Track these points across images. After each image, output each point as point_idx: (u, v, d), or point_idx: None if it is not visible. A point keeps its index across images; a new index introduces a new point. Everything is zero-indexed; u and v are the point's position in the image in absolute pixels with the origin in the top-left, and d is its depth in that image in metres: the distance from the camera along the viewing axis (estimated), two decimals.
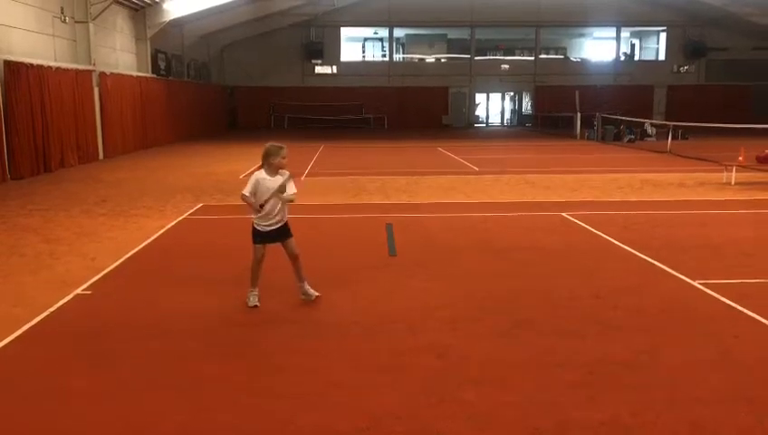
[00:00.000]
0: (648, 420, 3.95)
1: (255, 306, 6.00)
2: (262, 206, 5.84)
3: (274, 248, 6.15)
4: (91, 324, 5.69)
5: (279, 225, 6.04)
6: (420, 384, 4.44)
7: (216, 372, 4.67)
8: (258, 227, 6.01)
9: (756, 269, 7.30)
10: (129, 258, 7.92)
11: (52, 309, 5.99)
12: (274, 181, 5.89)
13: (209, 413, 4.08)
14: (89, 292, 6.58)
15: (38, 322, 5.68)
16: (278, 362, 4.88)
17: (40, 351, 5.12)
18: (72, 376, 4.64)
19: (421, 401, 4.21)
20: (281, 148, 5.93)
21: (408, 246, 8.48)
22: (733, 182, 14.05)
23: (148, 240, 8.89)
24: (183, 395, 4.33)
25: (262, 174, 5.92)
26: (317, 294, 6.24)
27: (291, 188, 5.96)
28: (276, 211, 5.97)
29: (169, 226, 9.89)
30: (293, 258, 6.13)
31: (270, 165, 5.91)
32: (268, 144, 6.01)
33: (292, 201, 6.03)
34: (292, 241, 6.11)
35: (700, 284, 6.67)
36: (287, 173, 5.96)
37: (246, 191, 5.90)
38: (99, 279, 7.01)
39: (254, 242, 6.06)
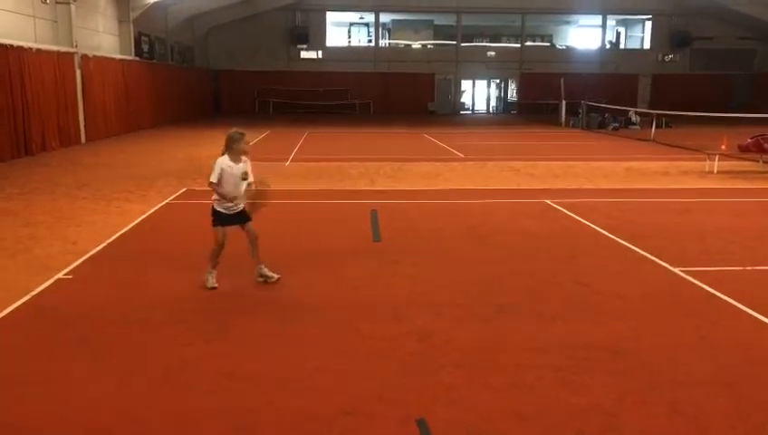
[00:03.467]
0: (629, 403, 3.99)
1: (214, 287, 6.08)
2: (235, 197, 6.01)
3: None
4: (72, 309, 5.64)
5: (239, 208, 6.14)
6: (403, 368, 4.46)
7: (199, 356, 4.65)
8: (220, 209, 6.09)
9: (737, 257, 7.39)
10: (111, 242, 7.85)
11: (32, 293, 5.93)
12: (238, 168, 6.02)
13: (193, 397, 4.07)
14: (70, 276, 6.52)
15: (18, 306, 5.62)
16: (260, 346, 4.87)
17: (20, 335, 5.07)
18: (53, 361, 4.60)
19: (404, 384, 4.22)
20: (243, 134, 6.06)
21: (392, 232, 8.48)
22: (715, 171, 14.17)
23: (131, 224, 8.81)
24: (166, 379, 4.32)
25: (226, 161, 6.00)
26: (277, 275, 6.29)
27: (250, 176, 6.14)
28: (240, 195, 6.09)
29: (152, 210, 9.81)
30: (253, 240, 6.21)
31: (233, 151, 6.01)
32: (231, 130, 6.12)
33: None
34: (251, 223, 6.21)
35: (681, 271, 6.73)
36: (247, 160, 6.12)
37: (213, 178, 5.98)
38: (80, 263, 6.95)
39: (215, 225, 6.13)
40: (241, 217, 6.17)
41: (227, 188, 6.00)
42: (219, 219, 6.11)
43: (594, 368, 4.48)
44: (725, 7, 36.65)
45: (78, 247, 7.56)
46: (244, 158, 6.10)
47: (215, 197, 6.12)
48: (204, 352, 4.73)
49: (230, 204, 6.06)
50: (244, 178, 6.02)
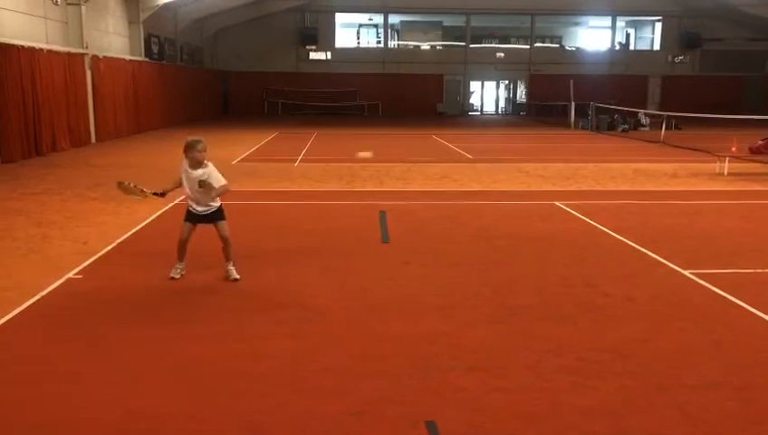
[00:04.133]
0: (639, 406, 3.98)
1: (173, 278, 6.36)
2: (163, 194, 6.49)
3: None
4: (82, 309, 5.67)
5: (208, 211, 6.37)
6: (412, 370, 4.45)
7: (209, 356, 4.67)
8: (189, 208, 6.41)
9: (748, 259, 7.34)
10: (121, 242, 7.89)
11: (43, 293, 5.97)
12: (195, 174, 6.23)
13: (202, 397, 4.08)
14: (80, 276, 6.56)
15: (29, 305, 5.66)
16: (269, 346, 4.88)
17: (31, 334, 5.11)
18: (63, 360, 4.63)
19: (413, 386, 4.22)
20: (197, 141, 6.22)
21: (400, 234, 8.48)
22: (725, 173, 14.09)
23: (141, 225, 8.86)
24: (176, 379, 4.33)
25: (185, 165, 6.31)
26: (237, 277, 6.39)
27: (217, 181, 6.24)
28: (201, 200, 6.29)
29: (161, 211, 9.85)
30: (224, 241, 6.40)
31: (190, 158, 6.24)
32: (188, 138, 6.34)
33: (223, 193, 6.33)
34: (224, 224, 6.42)
35: (691, 273, 6.70)
36: (209, 165, 6.28)
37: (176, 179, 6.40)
38: (91, 263, 6.99)
39: (184, 219, 6.44)
40: (212, 218, 6.40)
41: (187, 190, 6.32)
42: (187, 215, 6.44)
43: (604, 370, 4.46)
44: (736, 9, 36.43)
45: (88, 247, 7.60)
46: (207, 163, 6.26)
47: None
48: (214, 352, 4.75)
49: (197, 207, 6.32)
50: (201, 186, 6.17)
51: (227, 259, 6.46)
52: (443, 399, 4.05)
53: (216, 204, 6.40)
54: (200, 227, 6.46)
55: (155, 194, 6.48)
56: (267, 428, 3.74)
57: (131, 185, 6.53)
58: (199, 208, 6.36)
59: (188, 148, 6.25)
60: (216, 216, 6.42)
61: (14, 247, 7.67)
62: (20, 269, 6.80)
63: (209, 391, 4.15)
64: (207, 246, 6.71)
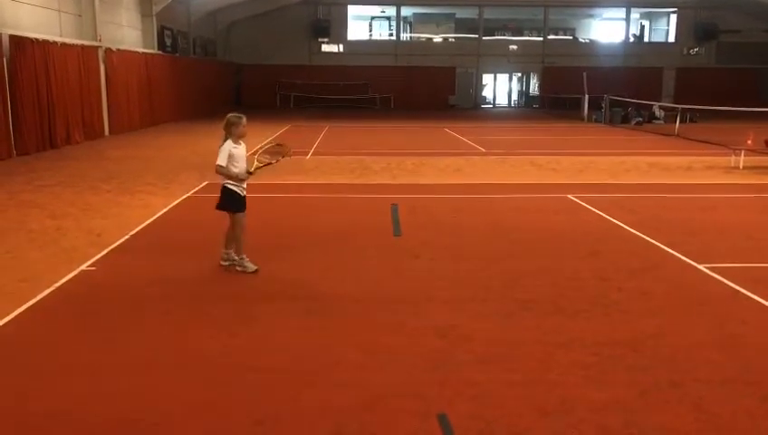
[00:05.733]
0: (652, 400, 3.96)
1: (256, 270, 6.30)
2: (251, 172, 6.28)
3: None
4: (95, 300, 5.72)
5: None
6: (424, 363, 4.45)
7: (221, 348, 4.70)
8: (238, 190, 6.31)
9: (763, 253, 7.27)
10: (134, 235, 7.94)
11: (57, 284, 6.02)
12: (243, 148, 6.33)
13: (214, 389, 4.10)
14: (94, 268, 6.60)
15: (44, 296, 5.71)
16: (281, 338, 4.90)
17: (45, 325, 5.16)
18: (76, 351, 4.67)
19: (425, 379, 4.22)
20: (240, 117, 6.29)
21: (412, 227, 8.47)
22: (741, 166, 13.95)
23: (154, 217, 8.90)
24: (189, 370, 4.36)
25: (230, 144, 6.23)
26: (229, 263, 6.43)
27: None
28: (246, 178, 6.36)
29: (175, 203, 9.90)
30: (240, 228, 6.40)
31: (233, 134, 6.24)
32: (229, 114, 6.37)
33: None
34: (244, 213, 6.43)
35: (706, 267, 6.64)
36: (243, 144, 6.38)
37: (222, 162, 6.19)
38: (104, 255, 7.03)
39: (238, 210, 6.32)
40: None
41: (240, 168, 6.25)
42: (237, 202, 6.31)
43: (617, 365, 4.44)
44: (751, 0, 35.95)
45: (102, 239, 7.65)
46: (242, 142, 6.35)
47: (230, 181, 6.31)
48: (226, 344, 4.77)
49: (244, 184, 6.31)
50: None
51: (229, 247, 6.51)
52: (454, 392, 4.05)
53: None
54: (221, 214, 6.47)
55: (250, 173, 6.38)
56: (279, 420, 3.75)
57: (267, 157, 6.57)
58: (244, 187, 6.37)
59: (232, 124, 6.25)
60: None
61: (29, 239, 7.74)
62: (35, 261, 6.85)
63: (220, 384, 4.17)
64: (220, 236, 6.72)
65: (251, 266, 6.33)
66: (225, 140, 6.27)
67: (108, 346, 4.74)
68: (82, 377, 4.27)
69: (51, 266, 6.57)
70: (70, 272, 6.36)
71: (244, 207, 6.39)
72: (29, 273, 6.40)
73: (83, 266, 6.58)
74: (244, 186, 6.38)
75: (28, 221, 8.65)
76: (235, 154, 6.22)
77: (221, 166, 6.21)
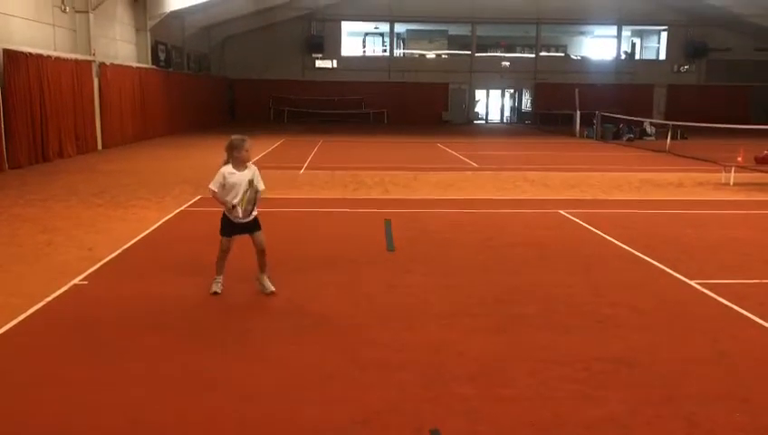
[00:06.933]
0: (645, 416, 3.96)
1: (216, 293, 6.05)
2: (234, 207, 5.83)
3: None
4: (87, 315, 5.68)
5: (250, 218, 5.99)
6: (417, 379, 4.44)
7: (213, 364, 4.67)
8: (229, 218, 5.98)
9: (753, 270, 7.31)
10: (126, 249, 7.91)
11: (48, 299, 5.98)
12: (242, 175, 5.87)
13: (206, 405, 4.08)
14: (85, 282, 6.57)
15: (35, 311, 5.67)
16: (274, 354, 4.88)
17: (36, 340, 5.12)
18: (68, 366, 4.63)
19: (417, 394, 4.21)
20: (243, 140, 5.88)
21: (406, 242, 8.48)
22: (731, 183, 14.06)
23: (147, 231, 8.88)
24: (180, 386, 4.33)
25: (228, 168, 5.88)
26: (272, 289, 6.13)
27: (260, 184, 5.98)
28: (247, 205, 5.90)
29: (168, 217, 9.88)
30: (261, 252, 6.09)
31: (235, 158, 5.87)
32: (232, 136, 5.97)
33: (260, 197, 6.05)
34: (261, 234, 6.09)
35: (697, 283, 6.67)
36: (254, 167, 5.99)
37: (213, 186, 5.91)
38: (96, 269, 7.00)
39: (222, 234, 6.05)
40: (251, 227, 6.06)
41: (228, 196, 5.86)
42: (228, 228, 6.03)
43: (609, 380, 4.44)
44: (742, 18, 36.35)
45: (94, 254, 7.62)
46: (250, 165, 5.98)
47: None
48: (218, 360, 4.74)
49: (236, 213, 5.89)
50: (250, 187, 5.82)
51: (263, 270, 6.16)
52: (447, 408, 4.04)
53: (256, 211, 6.05)
54: (215, 228, 6.29)
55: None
56: None
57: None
58: (242, 217, 5.90)
59: (234, 147, 5.84)
60: (255, 224, 6.06)
61: (20, 254, 7.70)
62: (26, 275, 6.81)
63: (212, 399, 4.14)
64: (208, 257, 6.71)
65: (214, 287, 6.09)
66: (224, 163, 5.96)
67: (99, 362, 4.70)
68: (73, 392, 4.23)
69: (42, 281, 6.53)
70: (61, 287, 6.33)
71: (229, 233, 6.03)
72: (19, 288, 6.36)
73: (75, 281, 6.54)
74: (236, 214, 5.91)
75: (19, 235, 8.61)
76: (228, 182, 5.85)
77: (210, 189, 5.97)
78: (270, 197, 11.78)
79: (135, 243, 8.23)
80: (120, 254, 7.68)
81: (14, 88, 15.33)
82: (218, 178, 5.90)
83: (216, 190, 5.92)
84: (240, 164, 5.90)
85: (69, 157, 17.94)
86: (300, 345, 5.04)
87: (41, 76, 16.61)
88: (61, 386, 4.32)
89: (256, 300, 6.08)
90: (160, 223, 9.44)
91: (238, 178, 5.87)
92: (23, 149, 15.63)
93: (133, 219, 9.69)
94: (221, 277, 6.18)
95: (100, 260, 7.33)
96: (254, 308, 5.88)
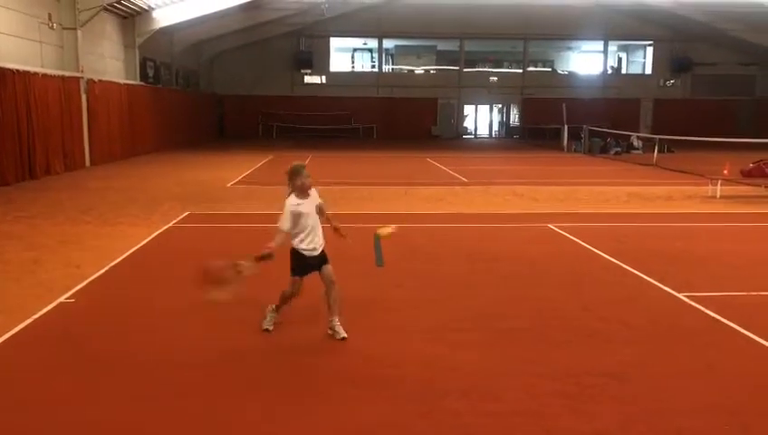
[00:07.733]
0: (635, 430, 3.95)
1: (267, 330, 5.56)
2: (271, 255, 5.08)
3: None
4: (74, 332, 5.63)
5: (321, 248, 5.45)
6: (408, 395, 4.42)
7: (203, 378, 4.63)
8: (303, 252, 5.33)
9: (741, 282, 7.36)
10: (113, 266, 7.85)
11: (35, 316, 5.91)
12: (310, 203, 5.35)
13: (196, 423, 4.04)
14: (72, 300, 6.51)
15: (21, 329, 5.60)
16: (264, 372, 4.84)
17: (22, 358, 5.06)
18: (54, 384, 4.58)
19: (409, 410, 4.19)
20: (302, 166, 5.37)
21: (395, 257, 8.44)
22: (718, 196, 14.17)
23: (134, 248, 8.82)
24: (169, 402, 4.29)
25: (294, 200, 5.30)
26: (344, 335, 5.42)
27: (326, 208, 5.57)
28: (318, 232, 5.41)
29: (156, 234, 9.82)
30: (330, 284, 5.45)
31: (298, 187, 5.31)
32: (293, 163, 5.40)
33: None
34: (330, 266, 5.50)
35: (686, 296, 6.70)
36: (315, 192, 5.48)
37: (285, 225, 5.25)
38: (83, 287, 6.94)
39: (294, 274, 5.40)
40: (322, 260, 5.46)
41: (298, 229, 5.27)
42: (302, 266, 5.37)
43: (599, 394, 4.44)
44: (726, 34, 36.89)
45: (81, 271, 7.56)
46: (312, 191, 5.41)
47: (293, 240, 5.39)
48: (208, 375, 4.70)
49: (313, 245, 5.34)
50: (322, 213, 5.35)
51: (332, 311, 5.46)
52: (438, 423, 4.02)
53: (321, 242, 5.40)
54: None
55: (262, 258, 5.10)
56: None
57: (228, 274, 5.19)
58: (316, 246, 5.34)
59: (295, 174, 5.25)
60: (326, 256, 5.45)
61: (6, 271, 7.62)
62: (11, 293, 6.75)
63: (204, 414, 4.10)
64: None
65: (265, 323, 5.60)
66: (289, 194, 5.38)
67: (87, 378, 4.65)
68: (58, 410, 4.18)
69: (28, 299, 6.47)
70: (48, 304, 6.26)
71: (303, 271, 5.43)
72: (5, 305, 6.29)
73: (62, 298, 6.48)
74: (311, 246, 5.35)
75: (5, 253, 8.53)
76: (294, 213, 5.24)
77: (278, 228, 5.27)
78: (257, 212, 11.76)
79: (122, 260, 8.17)
80: (107, 271, 7.62)
81: (1, 105, 15.26)
82: (287, 215, 5.24)
83: (285, 231, 5.26)
84: (304, 192, 5.35)
85: (56, 174, 17.84)
86: (288, 363, 5.00)
87: (28, 93, 16.55)
88: (46, 404, 4.26)
89: (246, 317, 6.00)
90: (148, 240, 9.38)
91: (307, 207, 5.33)
92: (9, 167, 15.54)
93: (121, 236, 9.62)
94: (277, 314, 5.63)
95: (87, 277, 7.27)
96: (243, 325, 5.83)
